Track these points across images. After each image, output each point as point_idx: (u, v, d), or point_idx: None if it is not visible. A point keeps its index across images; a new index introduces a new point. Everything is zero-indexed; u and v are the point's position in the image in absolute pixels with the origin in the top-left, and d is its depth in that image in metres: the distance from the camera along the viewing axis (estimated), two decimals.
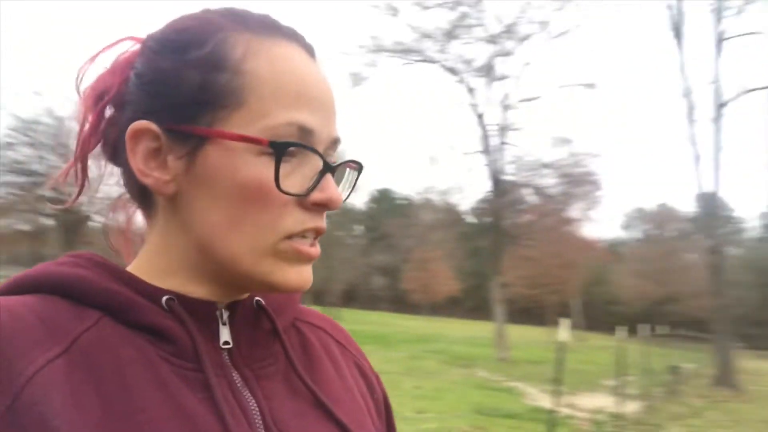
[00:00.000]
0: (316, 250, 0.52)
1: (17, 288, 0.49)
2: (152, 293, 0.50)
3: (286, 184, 0.48)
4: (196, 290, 0.52)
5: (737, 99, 14.51)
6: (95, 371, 0.43)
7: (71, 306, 0.47)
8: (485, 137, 17.60)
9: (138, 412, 0.43)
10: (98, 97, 0.53)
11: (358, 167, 0.58)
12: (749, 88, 14.83)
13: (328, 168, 0.51)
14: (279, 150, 0.48)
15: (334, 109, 0.54)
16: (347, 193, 0.57)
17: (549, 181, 20.15)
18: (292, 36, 0.53)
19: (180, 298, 0.50)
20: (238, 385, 0.51)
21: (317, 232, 0.52)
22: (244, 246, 0.49)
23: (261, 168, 0.48)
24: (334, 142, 0.53)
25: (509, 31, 16.45)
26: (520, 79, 18.12)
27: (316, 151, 0.50)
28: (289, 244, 0.50)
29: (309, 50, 0.54)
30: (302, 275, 0.52)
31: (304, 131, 0.49)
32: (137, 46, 0.54)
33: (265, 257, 0.50)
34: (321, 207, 0.51)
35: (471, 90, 17.78)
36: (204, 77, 0.49)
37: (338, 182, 0.55)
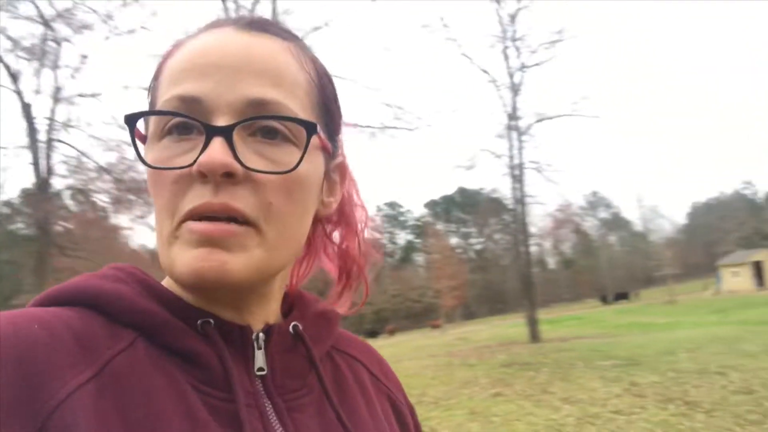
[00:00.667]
0: (217, 227, 0.44)
1: (55, 299, 0.47)
2: (188, 315, 0.48)
3: (174, 163, 0.46)
4: (219, 310, 0.51)
5: None
6: (124, 398, 0.42)
7: (107, 323, 0.46)
8: (32, 131, 15.16)
9: None
10: None
11: (303, 124, 0.48)
12: None
13: (213, 131, 0.45)
14: (129, 124, 0.47)
15: (249, 69, 0.47)
16: (296, 157, 0.47)
17: (104, 186, 18.85)
18: (220, 23, 0.51)
19: (216, 321, 0.49)
20: (270, 416, 0.48)
21: (219, 209, 0.45)
22: (158, 239, 0.48)
23: (157, 152, 0.47)
24: (253, 104, 0.46)
25: (64, 16, 14.70)
26: (79, 72, 16.37)
27: (175, 114, 0.46)
28: (185, 225, 0.45)
29: (240, 25, 0.50)
30: (197, 257, 0.44)
31: (187, 101, 0.46)
32: None
33: (170, 246, 0.46)
34: (201, 176, 0.44)
35: (15, 74, 15.05)
36: (149, 96, 0.52)
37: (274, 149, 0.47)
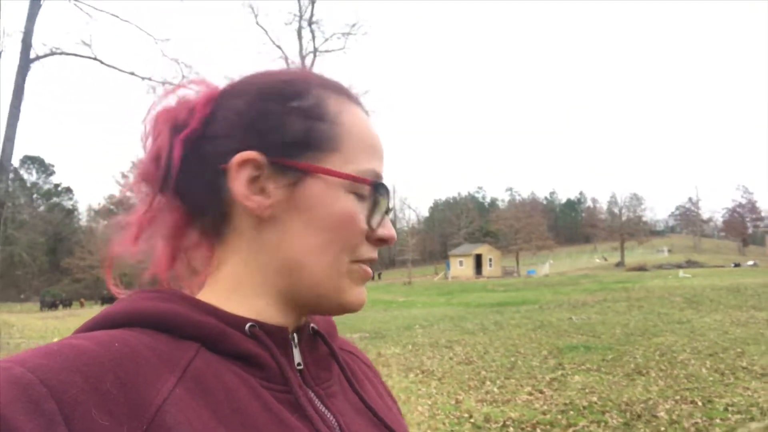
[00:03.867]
0: (371, 271, 0.60)
1: (111, 322, 0.50)
2: (236, 322, 0.53)
3: (362, 217, 0.57)
4: (273, 314, 0.56)
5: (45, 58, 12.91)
6: (209, 397, 0.46)
7: (168, 338, 0.49)
8: None
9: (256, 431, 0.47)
10: (173, 128, 0.57)
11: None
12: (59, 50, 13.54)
13: (389, 211, 0.60)
14: (376, 189, 0.58)
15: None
16: None
17: None
18: (359, 101, 0.63)
19: (260, 325, 0.54)
20: (316, 403, 0.56)
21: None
22: (328, 267, 0.56)
23: (352, 203, 0.56)
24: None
25: None
26: None
27: (388, 196, 0.59)
28: (358, 266, 0.58)
29: (366, 111, 0.63)
30: (364, 294, 0.60)
31: (378, 177, 0.58)
32: (212, 89, 0.60)
33: (341, 278, 0.57)
34: (382, 242, 0.60)
35: None
36: (308, 124, 0.56)
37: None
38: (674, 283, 21.62)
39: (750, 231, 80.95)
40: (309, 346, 0.60)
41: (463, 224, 74.65)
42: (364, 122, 0.60)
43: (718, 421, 4.90)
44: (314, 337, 0.61)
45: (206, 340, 0.51)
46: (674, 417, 5.08)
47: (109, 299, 44.90)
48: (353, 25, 20.18)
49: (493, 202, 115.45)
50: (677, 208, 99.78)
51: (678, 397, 5.68)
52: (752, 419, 4.87)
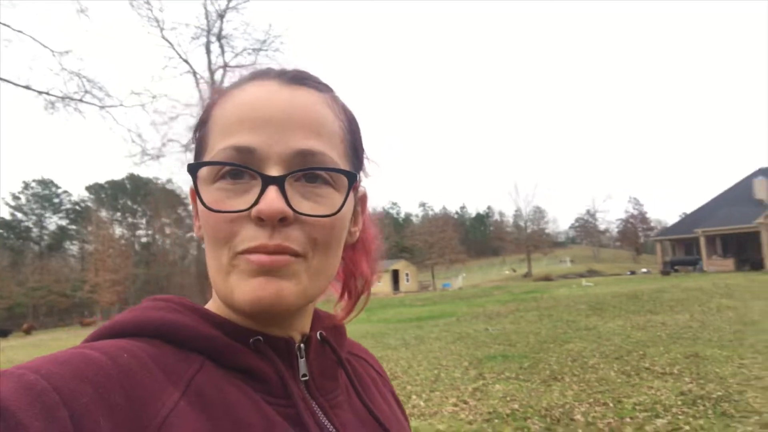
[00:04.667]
0: (272, 258, 0.49)
1: (120, 331, 0.51)
2: (241, 335, 0.54)
3: (229, 204, 0.50)
4: (239, 320, 0.55)
5: None
6: (210, 412, 0.47)
7: (174, 350, 0.50)
8: None
9: None
10: None
11: (347, 174, 0.54)
12: None
13: (269, 180, 0.50)
14: (192, 172, 0.52)
15: (295, 123, 0.52)
16: (337, 203, 0.53)
17: None
18: (263, 75, 0.56)
19: (266, 338, 0.55)
20: (319, 415, 0.55)
21: (274, 249, 0.49)
22: (215, 270, 0.52)
23: (216, 193, 0.51)
24: (300, 154, 0.51)
25: None
26: None
27: (232, 164, 0.51)
28: (243, 257, 0.50)
29: (284, 79, 0.55)
30: (257, 286, 0.49)
31: (243, 150, 0.50)
32: None
33: (227, 276, 0.51)
34: (258, 220, 0.50)
35: None
36: (196, 137, 0.58)
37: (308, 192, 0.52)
38: (578, 292, 22.95)
39: (642, 240, 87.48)
40: (317, 356, 0.59)
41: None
42: (240, 97, 0.54)
43: (628, 420, 5.25)
44: (323, 345, 0.61)
45: (211, 353, 0.51)
46: (590, 419, 5.38)
47: (3, 333, 41.04)
48: (264, 41, 20.00)
49: (408, 217, 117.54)
50: (577, 220, 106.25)
51: (591, 400, 6.02)
52: (657, 416, 5.27)
